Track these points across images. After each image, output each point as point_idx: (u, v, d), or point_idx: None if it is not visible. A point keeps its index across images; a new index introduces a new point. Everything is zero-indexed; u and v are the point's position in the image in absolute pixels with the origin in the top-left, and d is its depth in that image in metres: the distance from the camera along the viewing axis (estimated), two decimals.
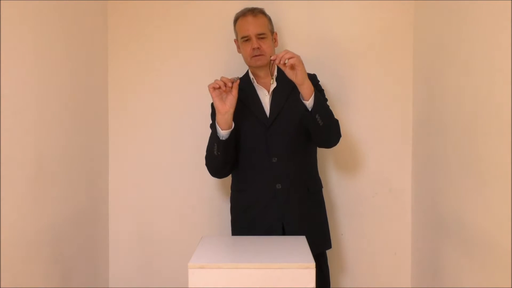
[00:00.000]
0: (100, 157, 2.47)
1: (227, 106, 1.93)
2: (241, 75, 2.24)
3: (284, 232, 2.08)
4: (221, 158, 2.03)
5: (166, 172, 2.54)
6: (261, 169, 2.10)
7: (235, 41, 2.20)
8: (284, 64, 1.86)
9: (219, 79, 2.07)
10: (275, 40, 2.18)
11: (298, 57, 1.87)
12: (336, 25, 2.49)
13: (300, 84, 1.90)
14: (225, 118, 1.95)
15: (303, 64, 1.89)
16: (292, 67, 1.86)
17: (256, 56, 2.09)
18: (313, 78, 2.18)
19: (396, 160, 2.50)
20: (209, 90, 1.93)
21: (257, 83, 2.17)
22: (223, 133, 1.98)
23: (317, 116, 1.92)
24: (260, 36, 2.08)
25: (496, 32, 1.58)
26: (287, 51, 1.87)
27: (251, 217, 2.11)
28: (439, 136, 2.10)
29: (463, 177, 1.84)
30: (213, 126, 2.17)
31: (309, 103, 1.92)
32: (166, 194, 2.54)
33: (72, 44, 2.14)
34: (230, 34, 2.23)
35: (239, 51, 2.18)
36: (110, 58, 2.53)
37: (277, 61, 1.87)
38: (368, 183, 2.50)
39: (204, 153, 2.14)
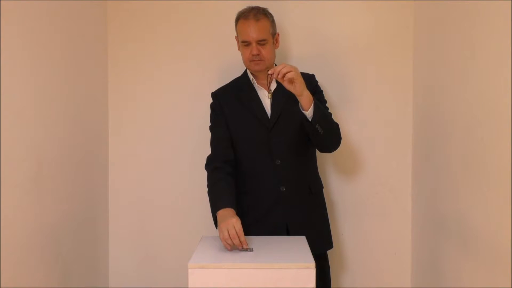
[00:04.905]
0: (100, 157, 2.47)
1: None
2: (239, 74, 2.24)
3: (288, 233, 2.07)
4: None
5: (166, 172, 2.54)
6: (265, 171, 2.09)
7: (236, 38, 2.19)
8: (282, 77, 1.86)
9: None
10: (276, 41, 2.17)
11: (295, 70, 1.86)
12: (336, 25, 2.49)
13: (299, 95, 1.90)
14: None
15: (301, 76, 1.89)
16: (291, 80, 1.86)
17: (254, 61, 2.08)
18: (311, 78, 2.18)
19: (396, 160, 2.50)
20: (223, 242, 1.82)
21: (257, 83, 2.16)
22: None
23: (317, 126, 1.93)
24: (261, 42, 2.06)
25: (496, 32, 1.58)
26: (284, 65, 1.86)
27: (254, 219, 2.11)
28: (439, 136, 2.10)
29: (463, 177, 1.84)
30: (213, 130, 2.16)
31: (308, 113, 1.92)
32: (166, 194, 2.54)
33: (72, 44, 2.14)
34: (230, 34, 2.23)
35: (239, 49, 2.18)
36: (110, 58, 2.53)
37: (274, 76, 1.87)
38: (368, 183, 2.50)
39: (203, 153, 2.15)
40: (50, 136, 1.93)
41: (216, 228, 1.89)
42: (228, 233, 1.77)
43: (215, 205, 1.94)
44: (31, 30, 1.80)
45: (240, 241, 1.76)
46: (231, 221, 1.80)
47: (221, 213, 1.88)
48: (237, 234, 1.77)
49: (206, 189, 2.04)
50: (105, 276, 2.52)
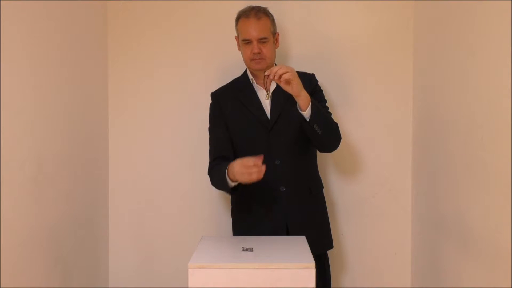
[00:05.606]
0: (100, 158, 2.47)
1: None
2: (239, 74, 2.24)
3: (288, 234, 2.07)
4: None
5: (166, 172, 2.54)
6: (265, 171, 2.09)
7: (236, 38, 2.19)
8: (279, 79, 1.86)
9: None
10: (276, 41, 2.17)
11: (292, 71, 1.87)
12: (336, 25, 2.49)
13: (297, 95, 1.91)
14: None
15: (298, 77, 1.89)
16: (288, 81, 1.87)
17: (255, 60, 2.08)
18: (312, 78, 2.18)
19: (396, 160, 2.49)
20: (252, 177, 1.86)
21: (256, 84, 2.16)
22: (234, 184, 1.97)
23: (315, 126, 1.93)
24: (262, 41, 2.07)
25: (496, 32, 1.58)
26: (281, 66, 1.87)
27: (254, 219, 2.11)
28: (439, 136, 2.10)
29: (463, 177, 1.84)
30: (212, 131, 2.16)
31: (306, 113, 1.92)
32: (166, 194, 2.54)
33: (72, 44, 2.14)
34: (230, 34, 2.23)
35: (239, 49, 2.18)
36: (110, 59, 2.53)
37: (271, 77, 1.87)
38: (368, 183, 2.50)
39: (204, 153, 2.15)
40: (50, 136, 1.93)
41: (233, 192, 2.00)
42: (249, 175, 1.82)
43: (223, 176, 1.95)
44: (31, 30, 1.80)
45: (256, 166, 1.82)
46: (237, 169, 1.85)
47: (230, 174, 1.92)
48: (249, 167, 1.82)
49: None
50: (105, 276, 2.52)
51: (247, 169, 1.83)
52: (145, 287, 2.54)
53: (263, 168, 1.84)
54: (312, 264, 1.55)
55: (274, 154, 2.08)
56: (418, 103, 2.40)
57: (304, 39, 2.49)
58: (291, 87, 1.88)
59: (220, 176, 1.99)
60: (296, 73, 1.90)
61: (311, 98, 1.94)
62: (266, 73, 1.90)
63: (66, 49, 2.08)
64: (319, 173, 2.27)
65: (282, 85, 1.89)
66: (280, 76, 1.85)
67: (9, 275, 1.63)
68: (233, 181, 1.94)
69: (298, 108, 1.93)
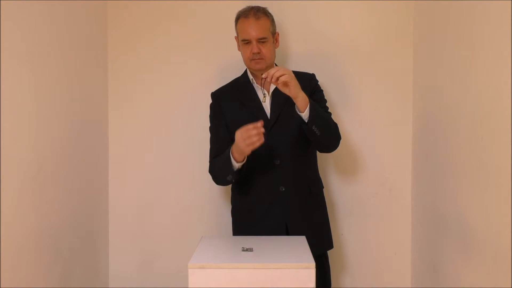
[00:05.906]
0: (100, 158, 2.47)
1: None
2: (239, 74, 2.24)
3: (288, 234, 2.07)
4: (234, 180, 2.06)
5: (166, 172, 2.54)
6: (264, 171, 2.09)
7: (235, 38, 2.19)
8: (276, 81, 1.86)
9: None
10: (276, 41, 2.17)
11: (289, 74, 1.87)
12: (336, 25, 2.49)
13: (295, 97, 1.91)
14: (246, 154, 1.94)
15: (295, 79, 1.90)
16: (285, 83, 1.87)
17: (255, 59, 2.08)
18: (312, 78, 2.19)
19: (396, 160, 2.50)
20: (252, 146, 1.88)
21: (256, 83, 2.16)
22: (238, 165, 1.97)
23: (314, 127, 1.93)
24: (261, 40, 2.07)
25: (496, 32, 1.58)
26: (278, 68, 1.87)
27: (254, 219, 2.11)
28: (439, 136, 2.10)
29: (463, 177, 1.84)
30: (212, 130, 2.17)
31: (304, 114, 1.93)
32: (166, 194, 2.54)
33: (72, 44, 2.14)
34: (230, 34, 2.23)
35: (239, 49, 2.18)
36: (110, 59, 2.53)
37: (268, 79, 1.87)
38: (368, 183, 2.50)
39: (204, 153, 2.15)
40: (50, 136, 1.93)
41: (238, 173, 1.98)
42: (250, 139, 1.83)
43: (227, 156, 1.96)
44: (31, 30, 1.80)
45: (256, 128, 1.83)
46: (238, 137, 1.86)
47: (234, 153, 1.92)
48: (248, 130, 1.83)
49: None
50: (105, 276, 2.52)
51: (247, 132, 1.84)
52: (145, 287, 2.54)
53: (263, 130, 1.84)
54: (312, 264, 1.55)
55: (274, 154, 2.08)
56: (418, 103, 2.40)
57: (304, 39, 2.49)
58: (288, 89, 1.88)
59: (223, 159, 1.99)
60: (293, 75, 1.90)
61: (309, 100, 1.94)
62: (263, 76, 1.90)
63: (66, 49, 2.08)
64: (319, 173, 2.27)
65: (280, 87, 1.89)
66: (278, 79, 1.85)
67: (9, 275, 1.63)
68: (237, 162, 1.94)
69: (297, 110, 1.94)
